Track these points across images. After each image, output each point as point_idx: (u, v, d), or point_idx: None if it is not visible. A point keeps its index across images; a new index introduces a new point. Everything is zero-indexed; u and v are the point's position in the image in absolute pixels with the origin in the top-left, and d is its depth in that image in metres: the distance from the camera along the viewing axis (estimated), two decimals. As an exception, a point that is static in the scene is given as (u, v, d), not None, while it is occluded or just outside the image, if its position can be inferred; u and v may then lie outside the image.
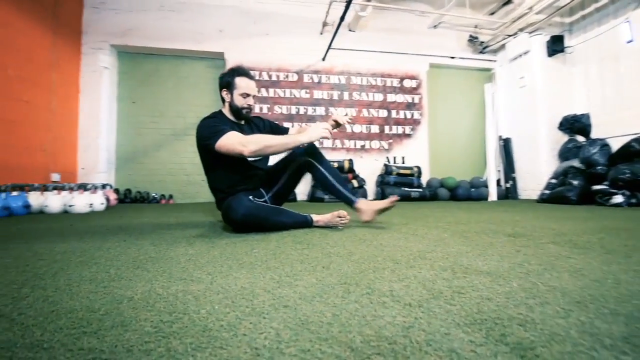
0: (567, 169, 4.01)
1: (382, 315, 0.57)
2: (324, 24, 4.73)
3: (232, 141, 1.51)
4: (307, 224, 1.65)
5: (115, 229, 1.72)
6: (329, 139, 1.65)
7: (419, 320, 0.55)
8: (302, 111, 4.89)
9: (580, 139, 4.39)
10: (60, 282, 0.77)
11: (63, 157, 3.99)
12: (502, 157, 5.16)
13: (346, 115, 1.77)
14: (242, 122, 1.78)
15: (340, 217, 1.64)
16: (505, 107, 5.31)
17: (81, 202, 2.98)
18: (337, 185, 1.72)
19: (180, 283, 0.76)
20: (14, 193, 2.74)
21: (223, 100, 1.75)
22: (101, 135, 4.38)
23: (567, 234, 1.47)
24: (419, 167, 4.88)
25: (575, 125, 4.40)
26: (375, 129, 5.10)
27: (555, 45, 4.64)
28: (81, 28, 4.37)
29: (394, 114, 5.18)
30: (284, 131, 1.97)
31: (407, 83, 5.24)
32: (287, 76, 4.86)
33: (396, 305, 0.62)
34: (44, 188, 3.05)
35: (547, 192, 4.01)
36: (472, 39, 5.27)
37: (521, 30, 4.78)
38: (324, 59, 4.88)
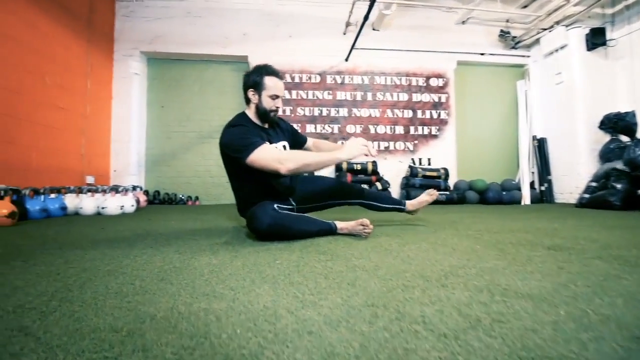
0: (609, 171, 3.73)
1: (414, 349, 0.52)
2: (347, 24, 4.67)
3: (267, 157, 1.44)
4: (331, 231, 1.61)
5: (143, 234, 1.76)
6: (367, 156, 1.58)
7: (456, 357, 0.50)
8: (324, 112, 4.86)
9: (624, 138, 4.07)
10: (87, 295, 0.78)
11: (97, 161, 4.18)
12: (537, 158, 4.89)
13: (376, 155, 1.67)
14: (267, 126, 1.71)
15: (363, 225, 1.59)
16: (540, 105, 5.03)
17: (113, 204, 3.10)
18: (388, 206, 1.98)
19: (203, 299, 0.75)
20: (52, 195, 2.89)
21: (247, 101, 1.65)
22: (132, 139, 4.56)
23: (613, 246, 1.34)
24: (446, 169, 4.72)
25: (618, 124, 4.08)
26: (399, 129, 4.99)
27: (596, 39, 4.33)
28: (113, 36, 4.57)
29: (419, 114, 5.04)
30: (303, 140, 1.94)
31: (434, 82, 5.08)
32: (309, 78, 4.85)
33: (430, 335, 0.57)
34: (79, 190, 3.20)
35: (586, 196, 3.75)
36: (504, 34, 5.02)
37: (557, 23, 4.50)
38: (347, 60, 4.83)
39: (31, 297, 0.77)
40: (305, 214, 1.66)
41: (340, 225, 1.63)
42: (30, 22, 3.13)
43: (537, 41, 4.88)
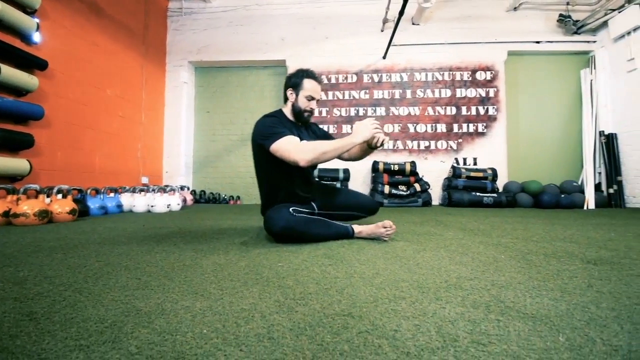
0: (698, 172, 3.15)
1: (367, 365, 0.49)
2: (384, 21, 4.56)
3: (288, 147, 1.48)
4: (347, 235, 1.59)
5: (175, 232, 1.90)
6: (381, 132, 1.53)
7: (406, 379, 0.46)
8: (361, 112, 4.79)
9: None
10: (97, 287, 0.86)
11: (151, 163, 4.59)
12: (604, 157, 4.31)
13: (386, 137, 1.57)
14: (300, 125, 1.76)
15: (385, 227, 1.54)
16: (609, 96, 4.42)
17: (161, 203, 3.38)
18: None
19: (189, 298, 0.78)
20: (110, 194, 3.24)
21: (285, 99, 1.74)
22: (181, 142, 4.93)
23: (677, 263, 1.13)
24: (493, 170, 4.37)
25: None
26: (442, 127, 4.73)
27: (682, 16, 3.69)
28: (165, 49, 4.98)
29: (464, 110, 4.73)
30: None
31: (480, 75, 4.73)
32: (346, 78, 4.81)
33: (392, 352, 0.53)
34: (133, 190, 3.54)
35: (666, 200, 3.21)
36: (563, 19, 4.50)
37: (629, 1, 3.91)
38: (384, 57, 4.70)
39: (52, 287, 0.87)
40: (322, 218, 1.65)
41: (358, 229, 1.60)
42: (95, 43, 3.55)
43: (605, 24, 4.29)
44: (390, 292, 0.82)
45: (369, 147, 1.59)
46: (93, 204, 2.92)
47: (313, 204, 1.79)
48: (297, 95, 1.68)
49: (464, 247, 1.43)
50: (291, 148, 1.48)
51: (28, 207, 2.18)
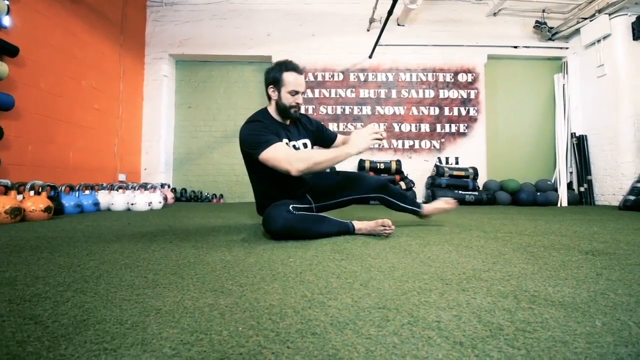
0: (659, 171, 3.40)
1: (425, 356, 0.48)
2: (371, 21, 4.59)
3: (278, 157, 1.41)
4: (348, 231, 1.57)
5: (165, 230, 1.80)
6: (381, 142, 1.56)
7: (471, 369, 0.44)
8: (347, 111, 4.80)
9: (678, 135, 3.70)
10: (101, 287, 0.79)
11: (129, 159, 4.38)
12: (575, 157, 4.57)
13: (380, 128, 1.61)
14: (288, 122, 1.68)
15: (384, 226, 1.54)
16: (580, 100, 4.69)
17: (141, 200, 3.23)
18: (406, 206, 1.86)
19: (209, 295, 0.74)
20: (86, 192, 3.05)
21: (269, 98, 1.63)
22: (161, 138, 4.74)
23: (665, 253, 1.20)
24: (474, 169, 4.52)
25: (670, 119, 3.72)
26: (425, 127, 4.83)
27: (644, 26, 3.97)
28: (145, 40, 4.77)
29: (446, 111, 4.86)
30: (332, 137, 1.89)
31: (462, 77, 4.87)
32: (332, 76, 4.81)
33: (444, 343, 0.52)
34: (111, 187, 3.35)
35: (631, 197, 3.45)
36: (539, 25, 4.72)
37: (599, 11, 4.17)
38: (370, 57, 4.74)
39: (49, 287, 0.79)
40: (322, 214, 1.63)
41: (358, 225, 1.58)
42: (70, 30, 3.33)
43: (577, 32, 4.55)
44: (415, 285, 0.81)
45: None
46: (68, 201, 2.73)
47: (308, 196, 1.74)
48: (279, 92, 1.56)
49: (465, 241, 1.45)
50: (282, 158, 1.40)
51: (-2, 204, 2.00)
